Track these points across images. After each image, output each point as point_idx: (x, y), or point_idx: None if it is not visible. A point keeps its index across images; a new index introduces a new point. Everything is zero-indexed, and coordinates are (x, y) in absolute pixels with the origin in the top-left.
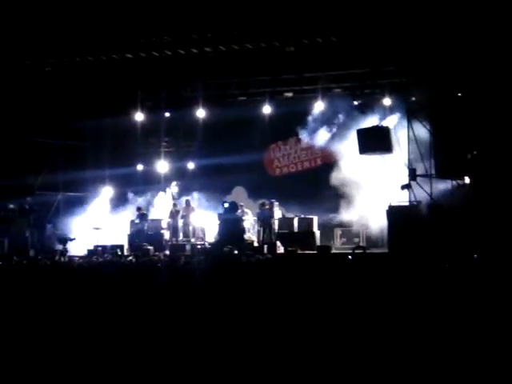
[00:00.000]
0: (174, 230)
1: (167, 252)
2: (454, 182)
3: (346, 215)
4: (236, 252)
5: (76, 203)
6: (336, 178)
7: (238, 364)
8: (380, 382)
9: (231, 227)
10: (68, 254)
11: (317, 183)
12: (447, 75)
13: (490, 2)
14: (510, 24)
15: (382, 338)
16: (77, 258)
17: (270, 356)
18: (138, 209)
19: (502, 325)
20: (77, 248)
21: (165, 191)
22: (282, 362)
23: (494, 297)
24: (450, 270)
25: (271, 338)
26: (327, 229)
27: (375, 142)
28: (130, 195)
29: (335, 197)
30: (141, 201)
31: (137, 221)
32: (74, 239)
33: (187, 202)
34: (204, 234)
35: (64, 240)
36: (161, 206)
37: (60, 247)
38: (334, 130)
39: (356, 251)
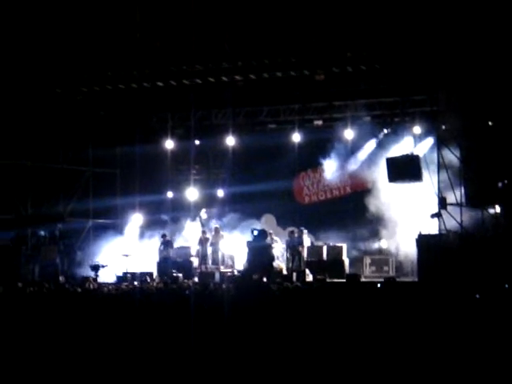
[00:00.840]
0: (203, 257)
1: (196, 279)
2: (485, 212)
3: (376, 243)
4: (265, 280)
5: (106, 230)
6: (366, 206)
7: None
8: None
9: (260, 255)
10: (98, 280)
11: (346, 211)
12: (478, 104)
13: None
14: None
15: (411, 368)
16: (106, 285)
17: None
18: (163, 236)
19: None
20: (106, 275)
21: (194, 218)
22: None
23: None
24: (480, 301)
25: (300, 366)
26: (357, 257)
27: (405, 170)
28: (160, 223)
29: (365, 225)
30: (169, 228)
31: (161, 248)
32: (106, 266)
33: (216, 230)
34: (233, 262)
35: (96, 267)
36: (190, 233)
37: (92, 274)
38: (364, 158)
39: (385, 280)
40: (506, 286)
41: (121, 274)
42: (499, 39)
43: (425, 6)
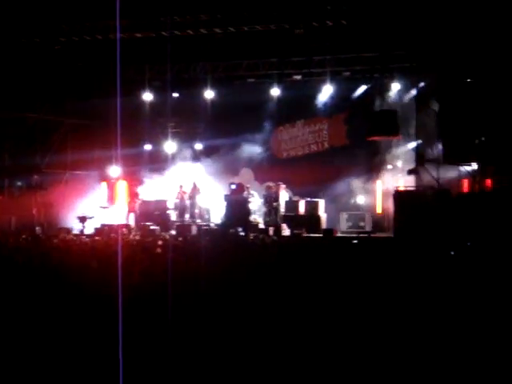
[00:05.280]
0: (180, 210)
1: (173, 232)
2: (462, 168)
3: (353, 199)
4: (242, 233)
5: (83, 182)
6: (344, 161)
7: (244, 344)
8: (383, 367)
9: (237, 209)
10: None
11: (324, 166)
12: (457, 61)
13: None
14: None
15: (384, 323)
16: (83, 237)
17: (274, 339)
18: None
19: (504, 315)
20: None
21: (172, 172)
22: (285, 345)
23: (497, 285)
24: (454, 257)
25: (275, 320)
26: (333, 212)
27: (382, 125)
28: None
29: (342, 180)
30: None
31: None
32: (93, 217)
33: (194, 184)
34: (209, 215)
35: (83, 218)
36: (167, 187)
37: (80, 225)
38: (342, 113)
39: (361, 235)
40: (468, 243)
41: (98, 226)
42: None
43: None
